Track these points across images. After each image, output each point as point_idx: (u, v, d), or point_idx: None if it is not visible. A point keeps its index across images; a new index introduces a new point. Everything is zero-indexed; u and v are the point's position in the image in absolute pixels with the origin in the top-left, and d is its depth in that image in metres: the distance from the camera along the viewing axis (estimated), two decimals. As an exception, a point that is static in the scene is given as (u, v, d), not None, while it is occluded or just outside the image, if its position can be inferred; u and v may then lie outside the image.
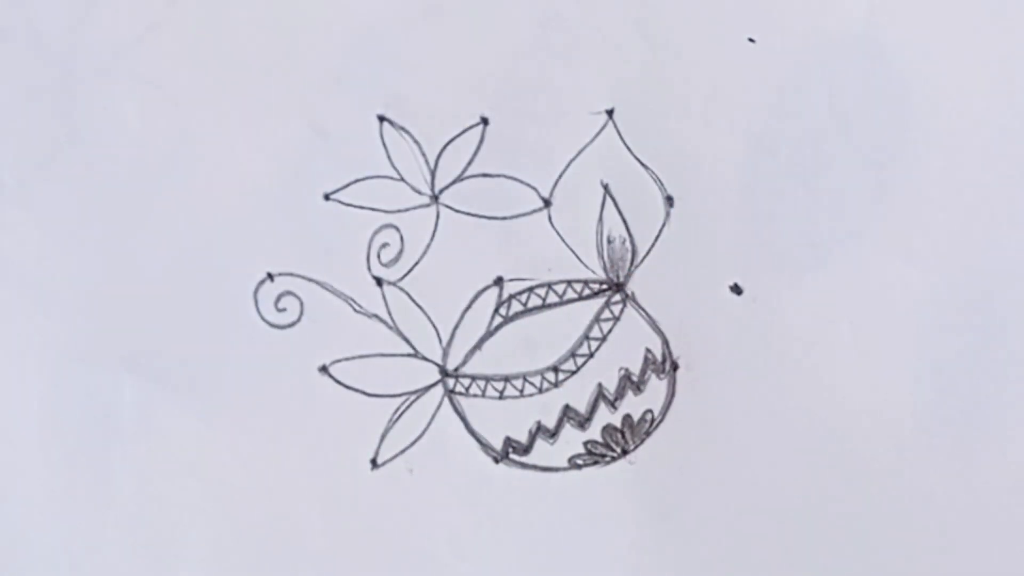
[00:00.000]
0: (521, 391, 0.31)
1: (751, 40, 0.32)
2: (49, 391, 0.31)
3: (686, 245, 0.32)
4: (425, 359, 0.31)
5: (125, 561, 0.30)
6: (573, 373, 0.32)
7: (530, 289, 0.32)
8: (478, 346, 0.31)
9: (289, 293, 0.31)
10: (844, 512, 0.32)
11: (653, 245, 0.32)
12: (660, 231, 0.32)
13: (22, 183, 0.31)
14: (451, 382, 0.31)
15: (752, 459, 0.32)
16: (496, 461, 0.31)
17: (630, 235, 0.32)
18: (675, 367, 0.32)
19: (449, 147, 0.32)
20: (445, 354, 0.31)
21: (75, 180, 0.31)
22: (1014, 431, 0.32)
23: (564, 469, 0.32)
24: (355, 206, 0.32)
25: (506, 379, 0.31)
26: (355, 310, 0.31)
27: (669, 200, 0.32)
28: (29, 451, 0.30)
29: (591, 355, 0.32)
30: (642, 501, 0.32)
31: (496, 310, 0.32)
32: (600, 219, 0.32)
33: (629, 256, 0.32)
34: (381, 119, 0.32)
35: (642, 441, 0.32)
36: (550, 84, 0.32)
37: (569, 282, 0.32)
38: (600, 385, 0.32)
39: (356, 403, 0.31)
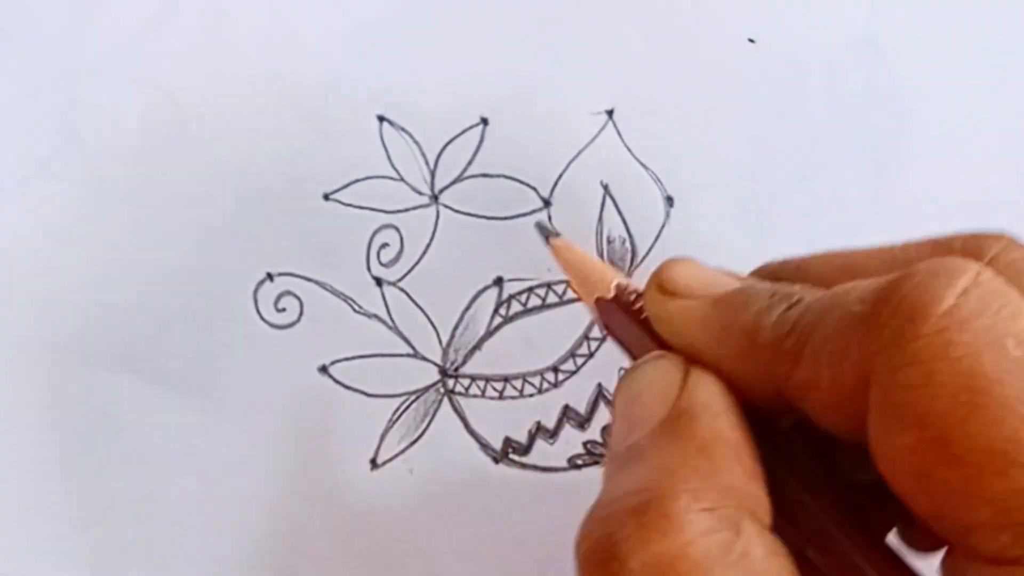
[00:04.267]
0: (521, 391, 0.31)
1: (751, 40, 0.32)
2: (49, 391, 0.31)
3: (686, 245, 0.32)
4: (425, 359, 0.31)
5: (125, 560, 0.30)
6: (573, 373, 0.32)
7: (530, 289, 0.32)
8: (478, 346, 0.31)
9: (289, 293, 0.31)
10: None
11: (653, 245, 0.32)
12: (660, 231, 0.32)
13: (22, 183, 0.31)
14: (451, 382, 0.31)
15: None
16: (496, 461, 0.31)
17: (630, 235, 0.32)
18: (675, 367, 0.32)
19: (449, 147, 0.32)
20: (445, 354, 0.31)
21: (75, 180, 0.31)
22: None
23: (564, 469, 0.32)
24: (355, 206, 0.32)
25: (506, 379, 0.31)
26: (355, 310, 0.31)
27: (669, 200, 0.32)
28: (29, 451, 0.30)
29: (591, 355, 0.32)
30: (642, 501, 0.32)
31: (496, 310, 0.32)
32: (600, 219, 0.32)
33: (629, 256, 0.32)
34: (381, 119, 0.32)
35: (642, 441, 0.32)
36: (550, 84, 0.32)
37: (569, 282, 0.32)
38: (600, 385, 0.32)
39: (356, 403, 0.31)
